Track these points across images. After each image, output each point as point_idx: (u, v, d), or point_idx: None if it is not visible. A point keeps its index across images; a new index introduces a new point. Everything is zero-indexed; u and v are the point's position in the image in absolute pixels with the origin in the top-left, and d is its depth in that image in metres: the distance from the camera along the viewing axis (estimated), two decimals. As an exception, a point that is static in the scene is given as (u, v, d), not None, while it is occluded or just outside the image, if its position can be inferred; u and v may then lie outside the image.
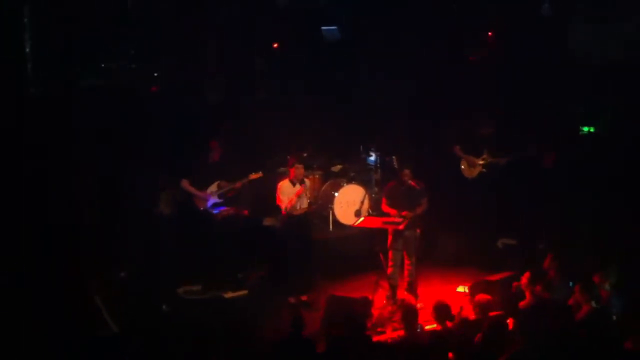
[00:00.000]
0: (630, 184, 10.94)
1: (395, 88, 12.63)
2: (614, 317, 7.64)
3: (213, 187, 10.23)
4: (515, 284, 8.73)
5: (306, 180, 10.08)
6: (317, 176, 11.78)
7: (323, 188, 11.70)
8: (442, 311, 7.69)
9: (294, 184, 9.78)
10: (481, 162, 11.68)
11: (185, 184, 10.20)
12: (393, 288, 9.67)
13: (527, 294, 8.33)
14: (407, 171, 9.75)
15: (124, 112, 10.65)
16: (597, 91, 11.40)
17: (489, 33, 12.27)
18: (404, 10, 11.35)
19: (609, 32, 10.65)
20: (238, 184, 10.20)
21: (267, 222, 11.25)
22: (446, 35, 12.11)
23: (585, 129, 12.42)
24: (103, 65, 10.16)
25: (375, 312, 9.27)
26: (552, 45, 11.51)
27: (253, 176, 10.19)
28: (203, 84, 11.52)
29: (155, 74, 10.78)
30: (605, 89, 11.30)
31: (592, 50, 10.78)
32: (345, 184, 11.46)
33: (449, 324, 7.67)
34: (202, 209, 10.19)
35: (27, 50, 8.10)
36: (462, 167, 11.85)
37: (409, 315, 7.60)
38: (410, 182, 9.73)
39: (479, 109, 11.97)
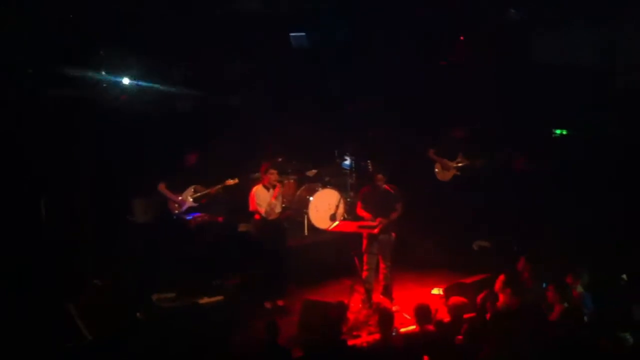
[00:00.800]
0: (602, 185, 11.07)
1: (369, 93, 12.67)
2: (586, 318, 7.72)
3: (189, 192, 10.22)
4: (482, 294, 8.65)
5: (278, 184, 10.07)
6: (291, 181, 11.78)
7: (298, 193, 11.70)
8: (423, 313, 7.71)
9: (268, 189, 9.77)
10: (455, 165, 11.76)
11: (161, 187, 10.18)
12: (368, 292, 9.69)
13: (501, 296, 8.39)
14: (380, 176, 9.78)
15: (93, 121, 10.58)
16: (564, 95, 11.53)
17: (460, 38, 12.34)
18: (377, 15, 11.37)
19: (574, 38, 10.77)
20: (213, 190, 10.18)
21: (242, 228, 11.22)
22: (418, 39, 12.16)
23: (558, 131, 12.54)
24: (72, 74, 10.07)
25: (351, 316, 9.29)
26: (517, 50, 11.61)
27: (229, 182, 10.19)
28: (172, 92, 11.46)
29: (126, 82, 10.71)
30: (572, 94, 11.43)
31: (556, 56, 10.90)
32: (320, 189, 11.48)
33: (429, 326, 7.69)
34: (176, 212, 10.16)
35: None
36: (436, 170, 11.93)
37: (385, 318, 7.62)
38: (384, 186, 9.77)
39: (452, 113, 12.07)
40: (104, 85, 10.57)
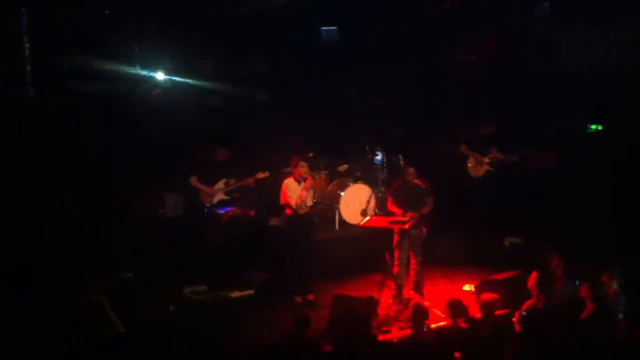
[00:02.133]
0: (634, 183, 10.91)
1: (398, 88, 12.63)
2: (620, 316, 7.61)
3: (220, 184, 10.30)
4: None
5: (309, 177, 10.07)
6: (323, 176, 11.78)
7: (329, 187, 11.70)
8: (455, 307, 7.67)
9: (299, 182, 9.79)
10: (488, 160, 11.67)
11: (193, 180, 10.30)
12: (399, 287, 9.66)
13: (534, 294, 8.31)
14: (411, 170, 9.75)
15: (126, 115, 10.68)
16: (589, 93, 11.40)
17: (488, 35, 12.24)
18: (403, 10, 11.32)
19: (597, 37, 10.62)
20: (248, 181, 10.25)
21: (273, 222, 11.26)
22: (445, 36, 12.10)
23: (593, 127, 12.36)
24: (107, 67, 10.17)
25: (381, 311, 9.26)
26: (541, 48, 11.48)
27: (260, 175, 10.26)
28: (204, 87, 11.53)
29: (160, 77, 10.80)
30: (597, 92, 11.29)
31: (580, 55, 10.77)
32: (351, 184, 11.46)
33: (461, 321, 7.64)
34: (208, 204, 10.24)
35: (27, 53, 8.07)
36: (469, 165, 11.85)
37: (419, 314, 7.59)
38: (415, 181, 9.73)
39: (478, 110, 12.01)
40: (138, 79, 10.66)
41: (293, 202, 9.71)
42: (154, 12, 9.97)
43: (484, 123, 11.74)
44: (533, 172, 11.63)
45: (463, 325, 7.59)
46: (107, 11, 9.55)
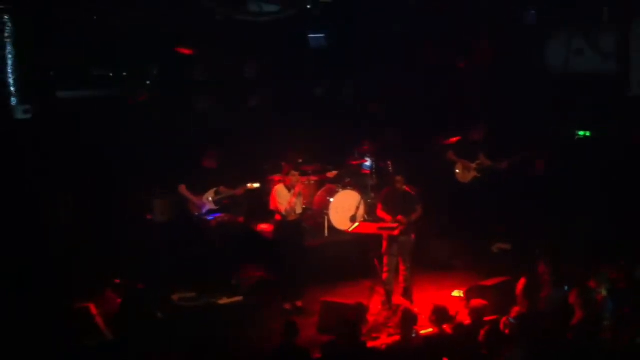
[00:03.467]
0: (624, 188, 10.95)
1: (386, 94, 12.66)
2: (607, 322, 7.61)
3: (209, 194, 10.26)
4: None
5: (299, 184, 10.05)
6: (312, 182, 11.77)
7: (318, 193, 11.68)
8: (440, 314, 7.69)
9: (289, 190, 9.78)
10: (475, 166, 11.70)
11: (182, 189, 10.24)
12: (388, 293, 9.65)
13: (519, 300, 8.32)
14: (399, 177, 9.77)
15: (114, 121, 10.63)
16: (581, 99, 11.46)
17: (480, 41, 12.27)
18: (391, 15, 11.34)
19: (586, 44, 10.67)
20: (239, 191, 10.23)
21: (261, 227, 11.25)
22: (435, 41, 12.13)
23: (581, 133, 12.42)
24: (94, 73, 10.12)
25: (370, 317, 9.27)
26: (531, 54, 11.53)
27: (251, 186, 10.24)
28: (191, 92, 11.50)
29: (147, 82, 10.76)
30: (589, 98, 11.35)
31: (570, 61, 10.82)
32: (340, 190, 11.45)
33: (446, 327, 7.65)
34: (196, 214, 10.20)
35: (9, 63, 8.00)
36: (457, 171, 11.86)
37: (408, 320, 7.58)
38: (404, 187, 9.74)
39: (468, 116, 12.04)
40: (125, 84, 10.61)
41: (283, 209, 9.70)
42: (142, 16, 9.93)
43: (472, 128, 11.76)
44: (522, 179, 11.65)
45: (449, 331, 7.60)
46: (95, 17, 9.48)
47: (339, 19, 11.21)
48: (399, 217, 9.61)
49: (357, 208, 11.00)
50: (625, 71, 10.24)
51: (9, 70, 8.00)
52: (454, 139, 12.05)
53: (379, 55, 12.12)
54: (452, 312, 8.63)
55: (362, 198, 11.26)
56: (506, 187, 11.66)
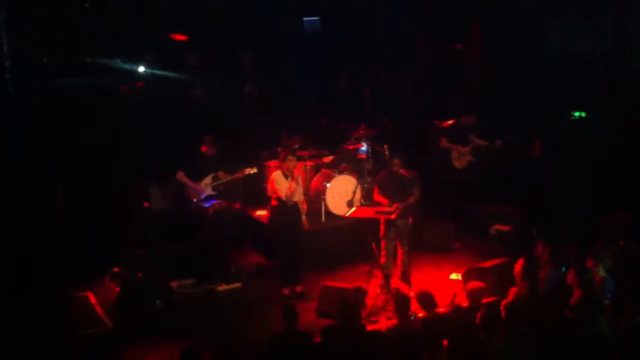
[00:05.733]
0: (620, 169, 10.97)
1: (384, 77, 12.62)
2: (607, 302, 7.65)
3: (207, 180, 10.26)
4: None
5: (298, 169, 10.04)
6: (308, 167, 11.75)
7: (314, 179, 11.67)
8: (425, 300, 7.73)
9: (286, 177, 9.73)
10: (469, 149, 11.72)
11: (180, 175, 10.25)
12: (386, 277, 9.67)
13: (518, 281, 8.33)
14: (396, 161, 9.73)
15: (110, 110, 10.59)
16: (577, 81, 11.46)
17: (473, 23, 12.24)
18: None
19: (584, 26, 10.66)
20: (239, 174, 10.21)
21: (258, 213, 11.24)
22: (428, 23, 12.10)
23: (577, 114, 12.42)
24: (89, 60, 10.07)
25: (369, 301, 9.31)
26: (529, 37, 11.51)
27: (248, 171, 10.22)
28: (187, 79, 11.47)
29: (141, 70, 10.71)
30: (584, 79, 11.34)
31: (567, 42, 10.81)
32: (337, 175, 11.43)
33: (437, 310, 7.68)
34: (194, 200, 10.21)
35: (5, 49, 7.96)
36: (454, 156, 11.88)
37: (402, 303, 7.61)
38: (401, 171, 9.73)
39: (460, 98, 12.04)
40: (120, 73, 10.58)
41: (282, 195, 9.65)
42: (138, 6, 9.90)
43: (464, 112, 11.76)
44: (519, 160, 11.65)
45: (442, 312, 7.63)
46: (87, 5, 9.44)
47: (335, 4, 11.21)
48: (396, 201, 9.59)
49: (354, 193, 11.00)
50: (623, 51, 10.26)
51: (5, 57, 7.96)
52: (447, 123, 12.05)
53: (374, 42, 12.11)
54: (450, 295, 8.71)
55: (359, 182, 11.25)
56: (504, 168, 11.65)
